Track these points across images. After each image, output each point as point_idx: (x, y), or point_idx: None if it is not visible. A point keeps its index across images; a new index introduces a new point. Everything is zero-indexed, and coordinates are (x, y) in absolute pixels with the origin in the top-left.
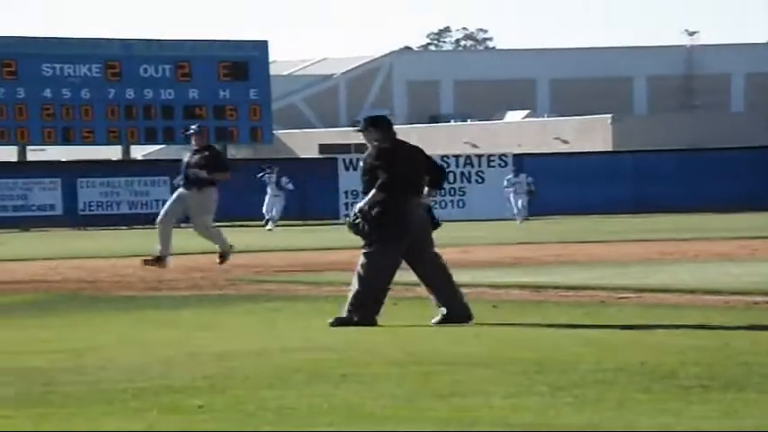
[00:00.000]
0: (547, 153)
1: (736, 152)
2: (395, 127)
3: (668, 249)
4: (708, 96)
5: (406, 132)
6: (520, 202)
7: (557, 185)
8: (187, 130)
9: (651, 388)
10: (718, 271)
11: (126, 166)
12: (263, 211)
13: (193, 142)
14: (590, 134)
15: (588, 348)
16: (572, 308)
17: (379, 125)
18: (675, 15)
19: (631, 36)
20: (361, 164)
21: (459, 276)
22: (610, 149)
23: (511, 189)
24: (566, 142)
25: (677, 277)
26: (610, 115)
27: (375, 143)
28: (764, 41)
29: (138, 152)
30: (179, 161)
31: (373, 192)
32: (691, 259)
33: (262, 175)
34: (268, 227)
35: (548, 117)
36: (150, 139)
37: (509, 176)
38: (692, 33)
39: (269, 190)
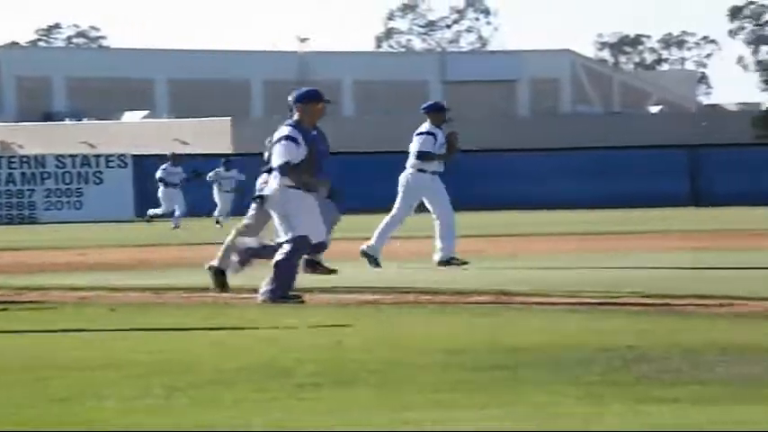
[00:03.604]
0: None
1: (350, 156)
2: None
3: None
4: None
5: (17, 130)
6: (225, 201)
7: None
8: None
9: (267, 386)
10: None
11: None
12: None
13: None
14: (211, 136)
15: (208, 349)
16: (195, 309)
17: None
18: (290, 21)
19: (249, 40)
20: None
21: (76, 280)
22: (231, 151)
23: (216, 184)
24: (186, 143)
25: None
26: (230, 118)
27: None
28: (371, 50)
29: None
30: None
31: None
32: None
33: None
34: None
35: (167, 118)
36: None
37: (218, 169)
38: (303, 40)
39: None
